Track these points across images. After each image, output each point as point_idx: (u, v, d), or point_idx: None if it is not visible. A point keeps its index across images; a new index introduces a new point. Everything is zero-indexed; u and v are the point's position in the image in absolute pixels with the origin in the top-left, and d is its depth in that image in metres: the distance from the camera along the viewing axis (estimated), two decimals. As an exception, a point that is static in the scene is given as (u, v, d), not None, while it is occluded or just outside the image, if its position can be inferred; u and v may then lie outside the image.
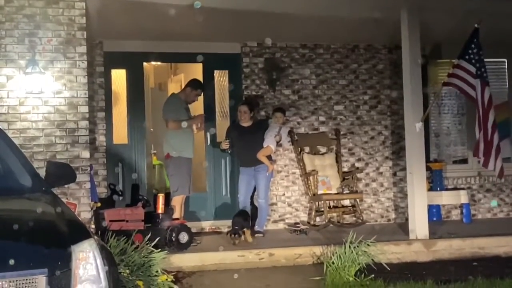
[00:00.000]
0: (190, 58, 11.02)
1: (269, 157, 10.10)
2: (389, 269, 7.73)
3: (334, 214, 10.95)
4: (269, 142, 10.04)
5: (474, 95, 8.97)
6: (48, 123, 8.02)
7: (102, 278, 4.09)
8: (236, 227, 9.16)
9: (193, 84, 9.84)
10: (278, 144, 10.41)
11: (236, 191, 10.39)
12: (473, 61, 8.90)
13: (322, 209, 10.62)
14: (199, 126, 9.68)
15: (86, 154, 8.18)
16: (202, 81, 10.14)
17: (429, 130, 11.53)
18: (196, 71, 11.16)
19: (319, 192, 10.69)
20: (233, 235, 9.10)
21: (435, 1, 8.92)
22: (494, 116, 9.01)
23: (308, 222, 10.74)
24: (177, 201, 9.49)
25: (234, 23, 9.78)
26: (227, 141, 10.05)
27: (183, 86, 10.42)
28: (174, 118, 9.54)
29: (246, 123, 10.13)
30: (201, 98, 10.54)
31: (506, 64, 12.24)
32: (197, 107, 10.61)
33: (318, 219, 10.79)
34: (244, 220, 9.33)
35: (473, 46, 8.91)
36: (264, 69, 11.09)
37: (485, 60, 9.04)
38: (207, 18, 9.31)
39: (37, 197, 4.89)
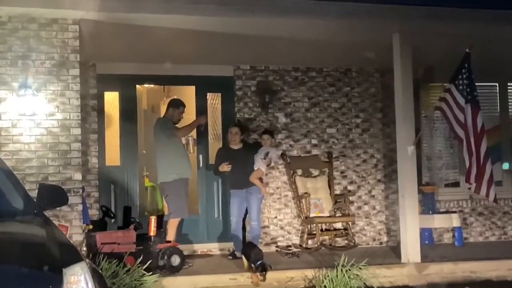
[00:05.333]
0: (183, 80, 11.08)
1: (260, 180, 10.12)
2: (381, 293, 7.73)
3: (326, 237, 10.94)
4: (259, 164, 10.08)
5: (461, 133, 8.95)
6: (41, 145, 8.01)
7: (94, 301, 4.08)
8: (263, 261, 8.24)
9: (173, 104, 9.86)
10: (269, 166, 10.43)
11: (228, 213, 10.39)
12: (461, 87, 8.92)
13: (314, 232, 10.61)
14: (202, 126, 10.11)
15: (78, 176, 8.17)
16: (182, 100, 10.09)
17: (421, 153, 11.56)
18: (189, 93, 11.19)
19: (311, 215, 10.68)
20: (262, 272, 8.17)
21: (427, 25, 8.98)
22: (486, 143, 9.02)
23: (300, 245, 10.72)
24: (172, 224, 9.46)
25: (227, 46, 9.82)
26: (228, 164, 10.02)
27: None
28: (174, 132, 9.55)
29: (236, 145, 10.17)
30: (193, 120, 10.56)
31: (497, 88, 12.31)
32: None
33: (310, 242, 10.77)
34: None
35: (464, 70, 8.95)
36: (257, 92, 11.14)
37: (476, 84, 9.08)
38: (200, 41, 9.36)
39: (28, 219, 4.88)
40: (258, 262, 8.22)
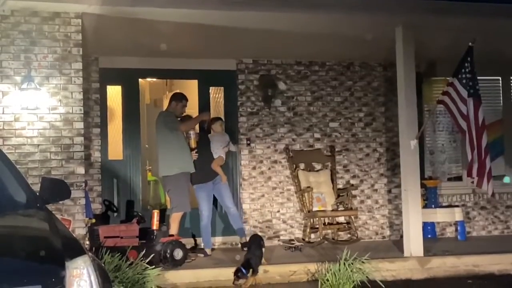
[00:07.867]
0: (185, 74, 11.08)
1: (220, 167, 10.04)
2: (383, 286, 7.71)
3: (329, 231, 10.95)
4: (220, 152, 9.96)
5: (464, 126, 8.93)
6: (43, 139, 8.01)
7: (96, 295, 4.08)
8: (244, 268, 7.82)
9: (176, 97, 9.85)
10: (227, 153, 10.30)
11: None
12: (464, 81, 8.89)
13: (317, 226, 10.61)
14: (205, 122, 10.10)
15: (81, 170, 8.18)
16: (184, 93, 10.11)
17: (424, 147, 11.55)
18: (192, 87, 11.19)
19: (314, 209, 10.69)
20: (235, 276, 7.81)
21: (430, 19, 8.96)
22: (487, 138, 9.00)
23: (303, 239, 10.72)
24: (175, 218, 9.44)
25: (229, 40, 9.81)
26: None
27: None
28: (177, 126, 9.53)
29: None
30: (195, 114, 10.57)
31: (500, 82, 12.29)
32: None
33: (313, 236, 10.78)
34: (258, 258, 8.26)
35: (466, 64, 8.93)
36: (259, 86, 11.13)
37: (479, 78, 9.06)
38: (203, 35, 9.36)
39: (31, 213, 4.89)
40: (239, 267, 7.84)
